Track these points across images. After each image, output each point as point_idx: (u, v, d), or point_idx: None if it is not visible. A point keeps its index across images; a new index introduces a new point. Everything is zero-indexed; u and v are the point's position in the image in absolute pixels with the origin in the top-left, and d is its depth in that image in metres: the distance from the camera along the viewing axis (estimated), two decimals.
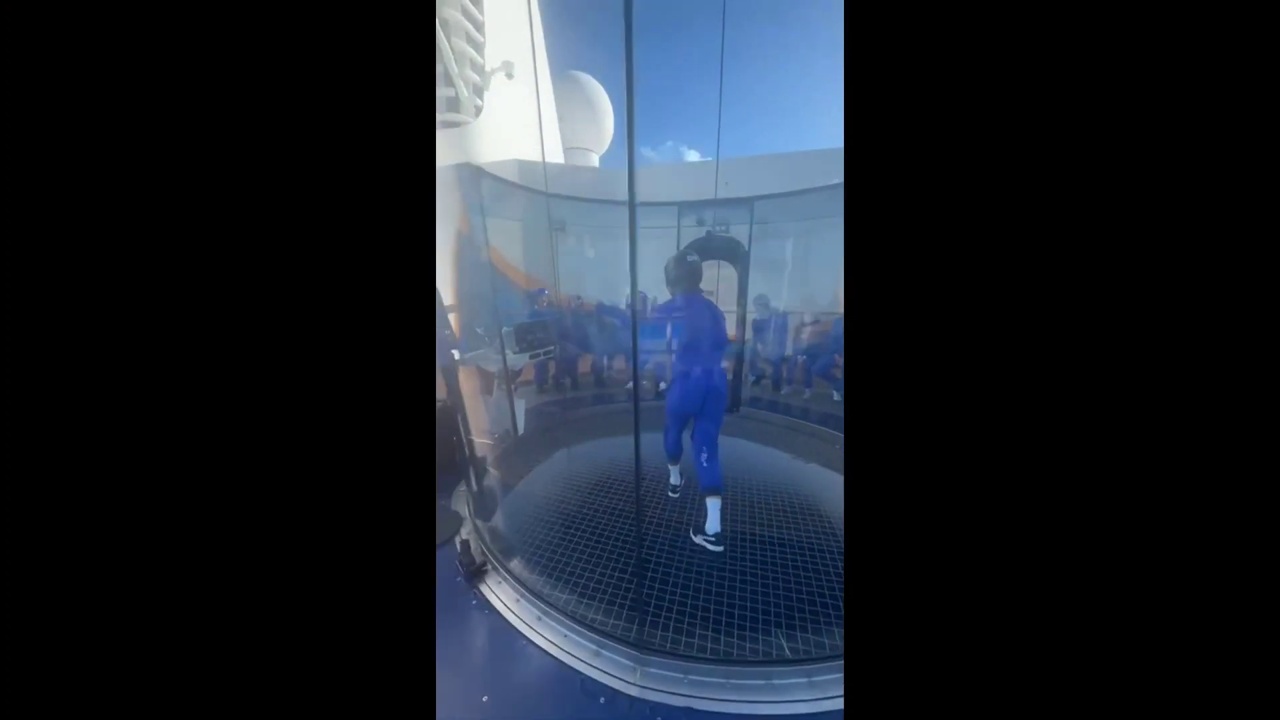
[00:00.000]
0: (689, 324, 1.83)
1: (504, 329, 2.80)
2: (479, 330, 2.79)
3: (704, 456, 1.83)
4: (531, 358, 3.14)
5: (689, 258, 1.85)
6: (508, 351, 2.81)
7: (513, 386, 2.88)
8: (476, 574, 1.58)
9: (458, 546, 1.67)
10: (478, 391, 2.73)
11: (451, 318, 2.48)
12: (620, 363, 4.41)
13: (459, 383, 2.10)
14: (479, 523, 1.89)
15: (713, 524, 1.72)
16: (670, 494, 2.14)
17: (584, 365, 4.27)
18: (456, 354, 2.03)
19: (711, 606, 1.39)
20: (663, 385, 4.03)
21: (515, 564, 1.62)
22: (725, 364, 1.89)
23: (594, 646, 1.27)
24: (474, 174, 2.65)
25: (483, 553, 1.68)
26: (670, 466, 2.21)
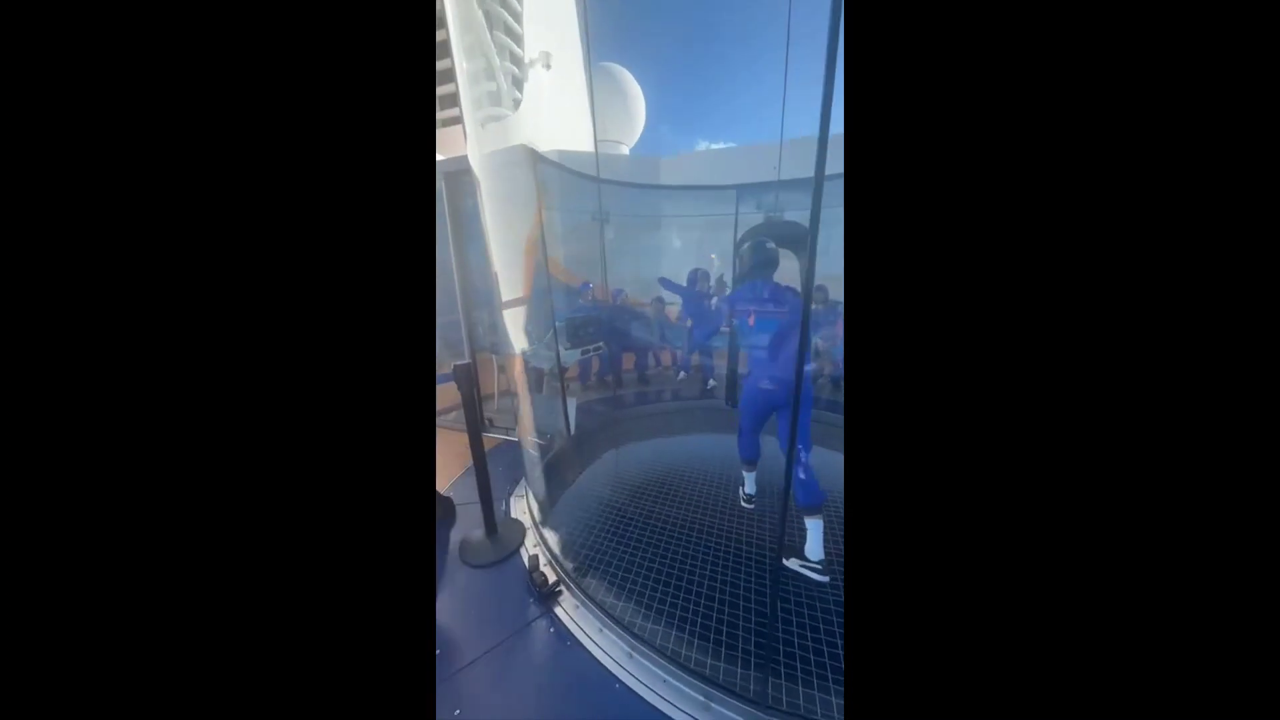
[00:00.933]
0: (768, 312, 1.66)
1: (557, 324, 2.65)
2: (526, 327, 2.65)
3: (799, 466, 1.57)
4: (583, 354, 3.00)
5: (767, 244, 1.70)
6: (560, 348, 2.66)
7: (565, 384, 2.73)
8: (550, 596, 1.42)
9: (525, 561, 1.51)
10: (529, 389, 2.59)
11: (522, 313, 2.33)
12: (669, 356, 4.21)
13: (517, 379, 1.95)
14: (545, 533, 1.73)
15: (815, 548, 1.49)
16: (744, 504, 1.92)
17: (628, 362, 4.09)
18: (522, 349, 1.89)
19: (838, 652, 1.17)
20: (711, 383, 3.80)
21: (591, 585, 1.45)
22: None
23: (701, 698, 1.08)
24: (530, 157, 2.49)
25: (555, 570, 1.52)
26: (745, 473, 1.97)
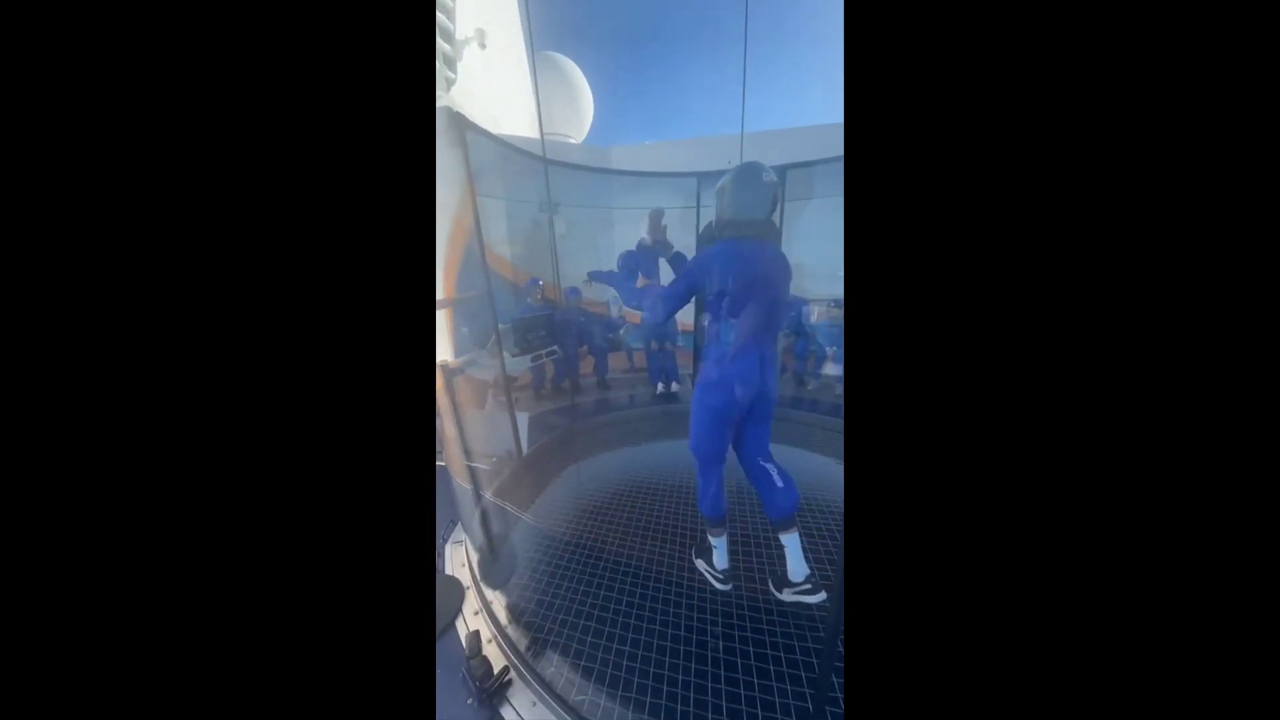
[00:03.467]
0: (746, 283, 1.10)
1: (500, 326, 2.26)
2: (464, 330, 2.23)
3: (774, 473, 1.28)
4: (533, 360, 2.62)
5: (764, 174, 1.09)
6: (505, 354, 2.27)
7: (513, 397, 2.34)
8: (496, 691, 1.06)
9: (463, 642, 1.13)
10: (468, 405, 2.18)
11: (444, 315, 1.89)
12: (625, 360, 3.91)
13: (453, 396, 1.56)
14: (489, 595, 1.36)
15: (798, 567, 1.24)
16: (718, 585, 1.32)
17: (586, 365, 3.75)
18: (450, 360, 1.49)
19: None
20: (676, 387, 3.56)
21: (552, 667, 1.11)
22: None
23: None
24: (455, 123, 2.07)
25: (503, 649, 1.16)
26: (714, 539, 1.34)
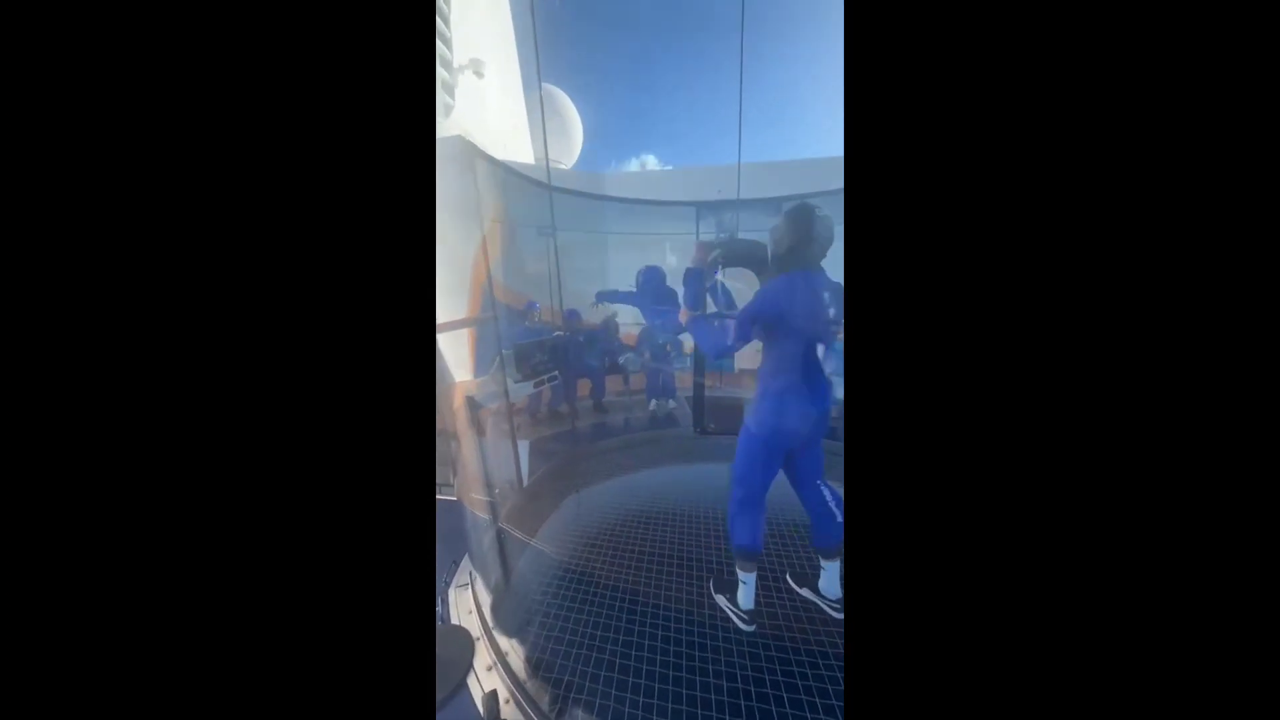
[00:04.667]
0: (804, 314, 1.14)
1: (504, 351, 2.20)
2: (476, 354, 2.17)
3: (830, 499, 1.28)
4: (535, 385, 2.56)
5: (819, 211, 1.15)
6: (508, 380, 2.21)
7: (514, 424, 2.27)
8: None
9: (479, 705, 1.03)
10: (469, 433, 2.09)
11: (469, 336, 1.82)
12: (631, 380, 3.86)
13: (457, 416, 1.49)
14: (505, 646, 1.26)
15: (832, 588, 1.32)
16: (743, 625, 1.25)
17: (584, 389, 3.68)
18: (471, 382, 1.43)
19: None
20: (671, 404, 3.52)
21: None
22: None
23: None
24: (467, 152, 2.06)
25: (524, 710, 1.06)
26: (743, 574, 1.28)
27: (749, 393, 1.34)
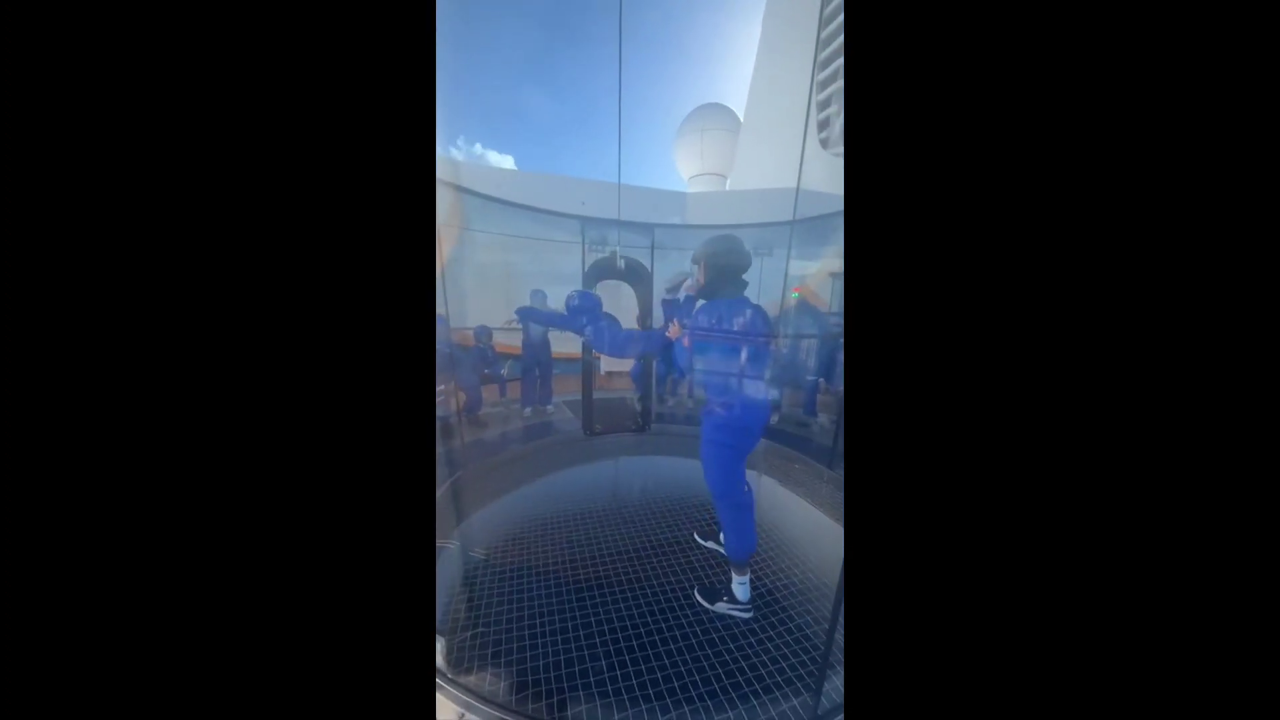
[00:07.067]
0: (741, 330, 1.29)
1: None
2: None
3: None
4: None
5: (744, 245, 1.32)
6: None
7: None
8: None
9: None
10: None
11: None
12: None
13: None
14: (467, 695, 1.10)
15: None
16: (743, 615, 1.32)
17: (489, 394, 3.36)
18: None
19: None
20: (549, 409, 3.57)
21: None
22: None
23: None
24: None
25: None
26: (738, 578, 1.36)
27: (625, 393, 1.47)
